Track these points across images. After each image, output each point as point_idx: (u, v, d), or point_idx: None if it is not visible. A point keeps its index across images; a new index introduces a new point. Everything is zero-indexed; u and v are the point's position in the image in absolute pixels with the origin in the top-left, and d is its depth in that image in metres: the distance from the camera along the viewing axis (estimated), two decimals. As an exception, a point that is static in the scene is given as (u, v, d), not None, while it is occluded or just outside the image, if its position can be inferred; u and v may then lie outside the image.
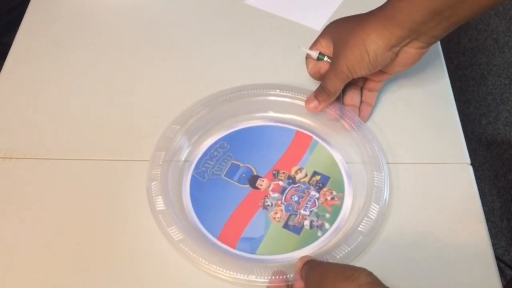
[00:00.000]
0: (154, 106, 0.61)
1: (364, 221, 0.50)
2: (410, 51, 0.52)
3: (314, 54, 0.57)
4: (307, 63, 0.59)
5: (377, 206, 0.51)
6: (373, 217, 0.50)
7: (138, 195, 0.53)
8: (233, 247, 0.50)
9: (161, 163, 0.53)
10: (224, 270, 0.47)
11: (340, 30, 0.55)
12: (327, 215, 0.52)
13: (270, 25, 0.70)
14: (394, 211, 0.53)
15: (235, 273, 0.47)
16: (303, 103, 0.58)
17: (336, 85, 0.55)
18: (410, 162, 0.56)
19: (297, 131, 0.59)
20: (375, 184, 0.52)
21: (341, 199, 0.54)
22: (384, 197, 0.51)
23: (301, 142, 0.58)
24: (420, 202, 0.53)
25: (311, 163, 0.56)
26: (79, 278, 0.49)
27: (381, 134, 0.58)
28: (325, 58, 0.57)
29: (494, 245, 1.06)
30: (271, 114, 0.60)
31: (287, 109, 0.60)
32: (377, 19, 0.51)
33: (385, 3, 0.51)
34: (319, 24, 0.69)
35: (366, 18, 0.52)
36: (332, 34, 0.56)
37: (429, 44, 0.52)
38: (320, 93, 0.56)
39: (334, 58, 0.55)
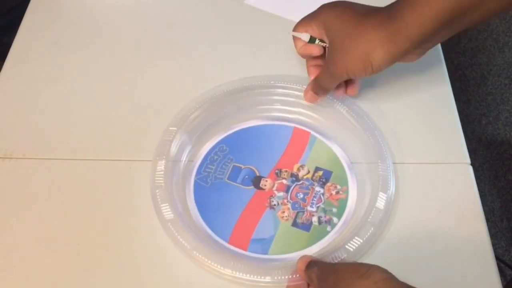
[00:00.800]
0: (154, 106, 0.61)
1: (373, 212, 0.50)
2: (410, 57, 0.52)
3: (305, 37, 0.55)
4: (295, 43, 0.57)
5: (385, 195, 0.51)
6: (381, 207, 0.50)
7: (138, 196, 0.53)
8: (245, 249, 0.50)
9: (163, 170, 0.53)
10: (240, 274, 0.47)
11: (338, 26, 0.52)
12: (334, 210, 0.53)
13: (270, 25, 0.70)
14: (394, 210, 0.53)
15: (251, 276, 0.47)
16: (299, 100, 0.59)
17: (332, 84, 0.56)
18: (410, 162, 0.56)
19: (295, 127, 0.59)
20: (380, 173, 0.52)
21: (346, 192, 0.54)
22: (391, 185, 0.52)
23: (300, 138, 0.58)
24: (420, 202, 0.53)
25: (312, 159, 0.56)
26: (79, 278, 0.49)
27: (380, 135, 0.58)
28: (317, 42, 0.55)
29: (494, 245, 1.06)
30: (267, 113, 0.60)
31: (283, 107, 0.60)
32: (384, 30, 0.48)
33: (391, 12, 0.48)
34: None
35: (371, 24, 0.49)
36: (328, 26, 0.53)
37: (430, 48, 0.51)
38: (316, 88, 0.57)
39: (331, 61, 0.53)
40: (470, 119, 1.41)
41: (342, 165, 0.56)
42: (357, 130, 0.57)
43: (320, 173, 0.55)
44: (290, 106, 0.60)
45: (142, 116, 0.60)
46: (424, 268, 0.49)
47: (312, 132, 0.59)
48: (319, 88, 0.57)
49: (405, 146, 0.57)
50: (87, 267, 0.49)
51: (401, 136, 0.58)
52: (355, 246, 0.48)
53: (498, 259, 1.15)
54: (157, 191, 0.51)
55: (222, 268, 0.47)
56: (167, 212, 0.50)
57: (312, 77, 0.57)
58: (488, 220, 1.01)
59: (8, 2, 1.50)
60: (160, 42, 0.68)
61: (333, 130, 0.58)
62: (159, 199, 0.51)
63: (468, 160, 0.56)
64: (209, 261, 0.47)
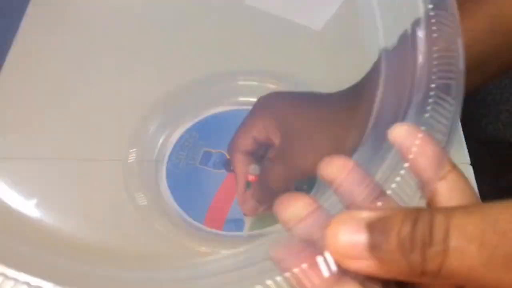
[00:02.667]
0: (157, 104, 0.61)
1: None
2: None
3: (255, 169, 0.48)
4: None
5: None
6: None
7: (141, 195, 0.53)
8: (220, 229, 0.52)
9: (134, 160, 0.54)
10: (216, 251, 0.48)
11: (296, 117, 0.44)
12: (305, 186, 0.54)
13: (270, 25, 0.70)
14: (394, 211, 0.53)
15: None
16: (270, 86, 0.60)
17: (286, 182, 0.44)
18: (410, 162, 0.56)
19: None
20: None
21: None
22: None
23: None
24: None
25: None
26: (78, 278, 0.49)
27: (381, 134, 0.58)
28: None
29: (494, 245, 1.06)
30: (236, 99, 0.62)
31: (252, 93, 0.61)
32: (355, 113, 0.40)
33: (360, 92, 0.42)
34: (319, 24, 0.69)
35: (338, 109, 0.42)
36: (279, 118, 0.45)
37: None
38: (260, 194, 0.47)
39: (289, 153, 0.43)
40: (470, 119, 1.41)
41: None
42: None
43: None
44: (254, 91, 0.61)
45: (142, 116, 0.60)
46: (424, 268, 0.49)
47: None
48: (265, 192, 0.45)
49: (405, 146, 0.57)
50: (87, 266, 0.49)
51: (401, 136, 0.58)
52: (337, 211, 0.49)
53: (498, 259, 1.15)
54: (129, 180, 0.53)
55: (199, 247, 0.49)
56: (141, 199, 0.51)
57: (242, 181, 0.47)
58: (488, 220, 1.00)
59: (8, 2, 1.50)
60: (160, 42, 0.68)
61: None
62: (132, 188, 0.52)
63: (468, 160, 0.56)
64: (186, 242, 0.49)
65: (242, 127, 0.47)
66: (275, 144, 0.44)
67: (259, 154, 0.48)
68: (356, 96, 0.40)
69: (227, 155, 0.57)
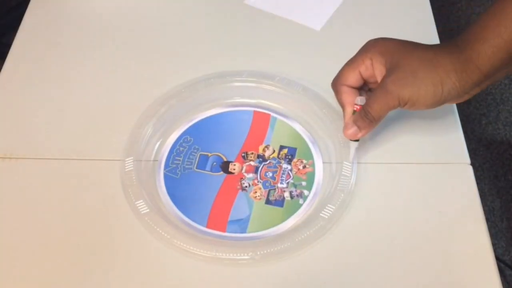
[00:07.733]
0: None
1: (341, 180, 0.53)
2: (465, 95, 0.50)
3: (362, 101, 0.52)
4: (344, 114, 0.54)
5: (349, 164, 0.54)
6: (347, 174, 0.53)
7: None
8: (223, 231, 0.52)
9: (132, 168, 0.54)
10: (222, 254, 0.49)
11: (402, 55, 0.50)
12: (304, 183, 0.55)
13: (270, 25, 0.70)
14: (394, 211, 0.53)
15: (232, 255, 0.49)
16: (265, 87, 0.60)
17: (383, 111, 0.51)
18: (410, 162, 0.56)
19: (254, 111, 0.61)
20: (341, 144, 0.55)
21: (312, 165, 0.56)
22: (352, 153, 0.54)
23: (261, 121, 0.60)
24: (420, 202, 0.53)
25: (276, 139, 0.58)
26: (78, 279, 0.49)
27: (380, 135, 0.58)
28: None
29: (494, 245, 1.06)
30: (226, 100, 0.61)
31: (242, 94, 0.62)
32: (456, 59, 0.48)
33: (460, 43, 0.48)
34: (319, 24, 0.70)
35: (444, 52, 0.49)
36: (387, 56, 0.50)
37: (487, 86, 0.50)
38: (361, 119, 0.52)
39: (397, 85, 0.49)
40: (470, 119, 1.41)
41: (305, 140, 0.58)
42: (314, 107, 0.59)
43: (285, 150, 0.57)
44: (248, 93, 0.61)
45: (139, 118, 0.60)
46: (424, 268, 0.49)
47: (272, 114, 0.60)
48: (365, 117, 0.51)
49: (405, 146, 0.57)
50: (86, 267, 0.49)
51: (401, 136, 0.58)
52: (329, 213, 0.51)
53: (498, 259, 1.15)
54: (129, 189, 0.53)
55: (203, 251, 0.49)
56: (143, 207, 0.51)
57: (349, 109, 0.53)
58: (488, 220, 1.01)
59: (8, 2, 1.50)
60: (160, 43, 0.68)
61: (292, 110, 0.60)
62: (132, 197, 0.52)
63: (468, 160, 0.56)
64: (190, 247, 0.49)
65: (350, 63, 0.52)
66: (378, 81, 0.51)
67: (362, 88, 0.54)
68: (458, 47, 0.48)
69: (223, 157, 0.57)
